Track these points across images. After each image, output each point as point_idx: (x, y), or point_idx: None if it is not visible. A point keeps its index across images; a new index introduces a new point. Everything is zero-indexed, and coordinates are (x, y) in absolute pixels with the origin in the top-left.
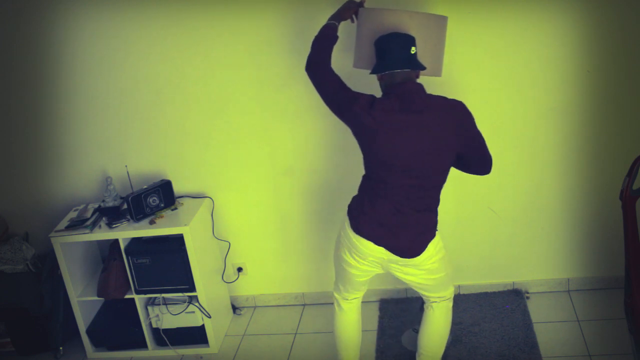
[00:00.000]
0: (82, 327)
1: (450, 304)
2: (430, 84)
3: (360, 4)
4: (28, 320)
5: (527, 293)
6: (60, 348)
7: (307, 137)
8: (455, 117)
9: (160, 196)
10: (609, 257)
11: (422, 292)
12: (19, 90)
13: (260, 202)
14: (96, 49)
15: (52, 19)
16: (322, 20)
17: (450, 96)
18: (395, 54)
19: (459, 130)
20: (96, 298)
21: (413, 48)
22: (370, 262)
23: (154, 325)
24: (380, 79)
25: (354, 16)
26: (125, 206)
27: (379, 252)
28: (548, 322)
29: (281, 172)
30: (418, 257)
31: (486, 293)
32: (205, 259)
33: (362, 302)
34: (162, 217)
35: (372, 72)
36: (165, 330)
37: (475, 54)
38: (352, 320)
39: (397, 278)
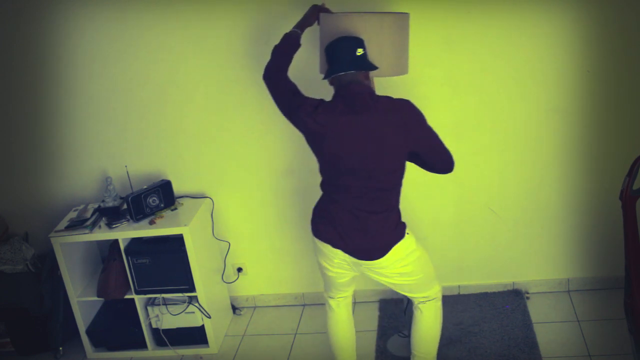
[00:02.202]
0: (82, 327)
1: (439, 303)
2: (430, 84)
3: (321, 9)
4: (28, 320)
5: (527, 293)
6: (60, 348)
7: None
8: (402, 117)
9: (160, 196)
10: (609, 257)
11: (404, 293)
12: (19, 90)
13: (260, 202)
14: (96, 49)
15: (52, 19)
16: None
17: (450, 96)
18: (340, 58)
19: (407, 130)
20: (96, 298)
21: (359, 50)
22: (338, 264)
23: (154, 326)
24: (331, 84)
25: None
26: (125, 206)
27: (340, 255)
28: (548, 322)
29: (281, 172)
30: (383, 260)
31: (486, 293)
32: (205, 259)
33: (362, 302)
34: (162, 217)
35: (324, 78)
36: (165, 331)
37: (475, 54)
38: (342, 319)
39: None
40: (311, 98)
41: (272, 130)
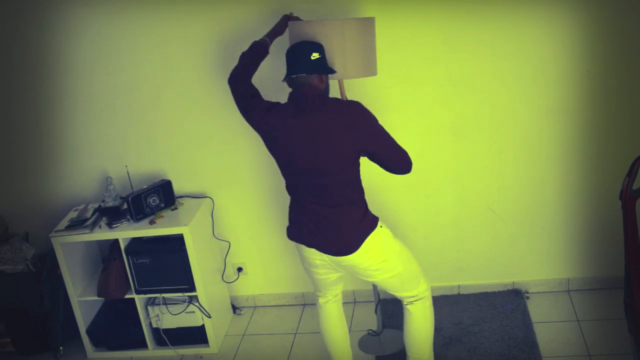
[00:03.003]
0: (82, 327)
1: (427, 303)
2: (430, 84)
3: (291, 18)
4: (28, 320)
5: (527, 293)
6: (60, 348)
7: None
8: (351, 116)
9: (160, 196)
10: (609, 257)
11: (391, 293)
12: (19, 90)
13: (260, 202)
14: (96, 49)
15: (52, 19)
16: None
17: (451, 96)
18: (296, 61)
19: (355, 130)
20: (96, 298)
21: (315, 54)
22: (321, 265)
23: (154, 325)
24: (289, 87)
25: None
26: (125, 206)
27: (316, 254)
28: (548, 322)
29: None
30: (357, 256)
31: (486, 293)
32: (205, 259)
33: (362, 302)
34: (162, 217)
35: (282, 80)
36: (166, 330)
37: (475, 54)
38: (333, 316)
39: (362, 279)
40: (266, 101)
41: None
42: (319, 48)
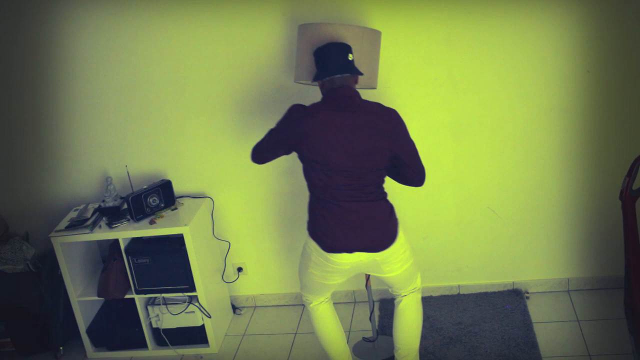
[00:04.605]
0: (82, 327)
1: (419, 295)
2: (430, 84)
3: None
4: (28, 320)
5: (527, 293)
6: (60, 348)
7: None
8: (389, 122)
9: (160, 196)
10: (609, 257)
11: (396, 288)
12: (19, 90)
13: (260, 202)
14: (96, 49)
15: (52, 18)
16: (321, 19)
17: (450, 96)
18: (333, 60)
19: (393, 135)
20: (96, 298)
21: (350, 55)
22: (345, 270)
23: (154, 325)
24: (321, 86)
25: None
26: (125, 206)
27: (356, 258)
28: (548, 322)
29: (281, 172)
30: (394, 247)
31: (486, 293)
32: (205, 259)
33: (362, 302)
34: (162, 217)
35: (314, 80)
36: (165, 330)
37: (475, 54)
38: (328, 315)
39: (376, 277)
40: (291, 114)
41: None
42: (351, 49)
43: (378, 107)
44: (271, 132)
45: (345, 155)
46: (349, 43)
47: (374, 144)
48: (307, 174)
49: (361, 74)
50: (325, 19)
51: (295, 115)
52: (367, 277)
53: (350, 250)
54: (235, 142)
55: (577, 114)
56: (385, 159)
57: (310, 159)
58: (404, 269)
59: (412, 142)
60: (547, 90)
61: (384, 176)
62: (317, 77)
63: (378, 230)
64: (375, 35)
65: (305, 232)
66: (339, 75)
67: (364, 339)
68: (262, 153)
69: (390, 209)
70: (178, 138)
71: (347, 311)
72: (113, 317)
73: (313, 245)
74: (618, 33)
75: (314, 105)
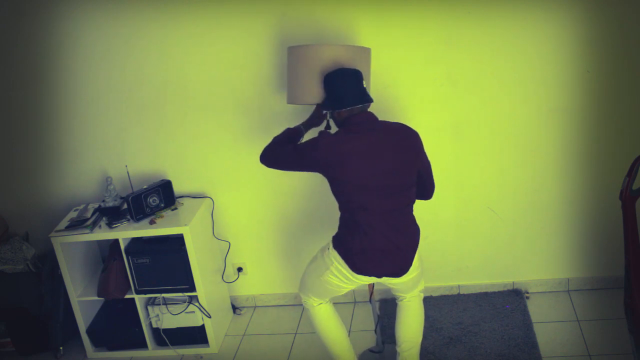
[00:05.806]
0: (82, 327)
1: (422, 296)
2: (430, 84)
3: (324, 108)
4: (28, 320)
5: (527, 293)
6: (60, 348)
7: (307, 137)
8: (416, 140)
9: (160, 196)
10: (609, 257)
11: (401, 292)
12: (19, 90)
13: (260, 202)
14: (96, 49)
15: (52, 18)
16: (321, 17)
17: (450, 96)
18: (352, 90)
19: (417, 150)
20: (96, 298)
21: (364, 82)
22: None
23: (154, 325)
24: (337, 115)
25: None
26: (125, 206)
27: (371, 278)
28: (548, 322)
29: (281, 172)
30: (411, 269)
31: (486, 293)
32: (205, 259)
33: (362, 302)
34: (162, 217)
35: (333, 109)
36: (165, 330)
37: (475, 54)
38: (330, 314)
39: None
40: (314, 138)
41: (272, 130)
42: (362, 75)
43: (401, 126)
44: (297, 151)
45: (382, 174)
46: (352, 63)
47: (405, 160)
48: (340, 195)
49: (373, 100)
50: (326, 19)
51: (326, 142)
52: (371, 291)
53: (379, 275)
54: (235, 142)
55: (577, 114)
56: (414, 175)
57: (345, 181)
58: (412, 276)
59: (428, 160)
60: (547, 90)
61: (413, 196)
62: (336, 107)
63: (407, 256)
64: (368, 52)
65: (307, 232)
66: (360, 105)
67: (370, 349)
68: (278, 164)
69: (418, 232)
70: (178, 138)
71: (347, 311)
72: (113, 317)
73: (338, 259)
74: (618, 33)
75: (339, 135)
